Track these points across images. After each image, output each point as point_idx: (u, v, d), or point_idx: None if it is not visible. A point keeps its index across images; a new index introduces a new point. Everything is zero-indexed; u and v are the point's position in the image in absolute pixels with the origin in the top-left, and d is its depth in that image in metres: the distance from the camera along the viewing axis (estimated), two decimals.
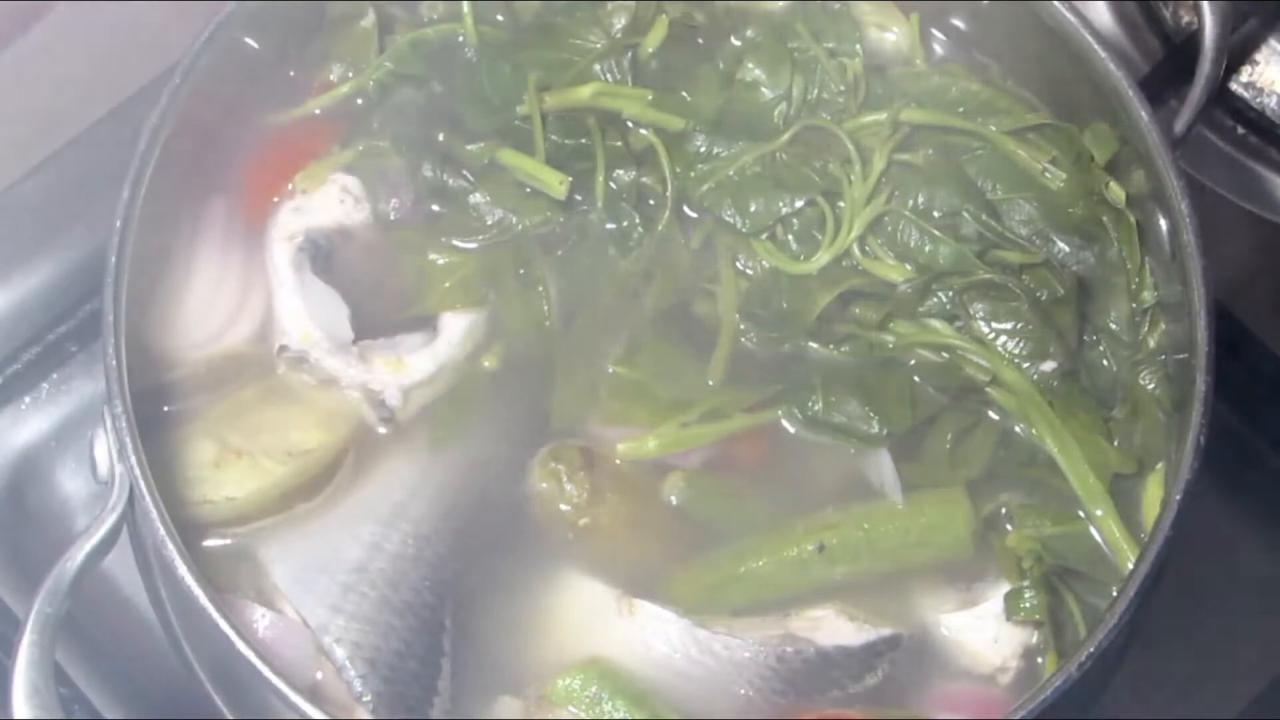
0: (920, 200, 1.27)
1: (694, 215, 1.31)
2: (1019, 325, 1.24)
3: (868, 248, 1.27)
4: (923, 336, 1.26)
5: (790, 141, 1.29)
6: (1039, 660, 1.20)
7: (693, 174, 1.29)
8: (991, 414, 1.27)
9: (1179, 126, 1.28)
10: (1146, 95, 1.25)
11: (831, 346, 1.27)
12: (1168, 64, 1.55)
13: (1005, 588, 1.21)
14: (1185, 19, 1.60)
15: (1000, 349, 1.25)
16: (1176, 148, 1.25)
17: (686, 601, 1.20)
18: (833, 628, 1.20)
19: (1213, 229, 1.21)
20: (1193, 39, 1.32)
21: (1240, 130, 1.60)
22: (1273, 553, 1.48)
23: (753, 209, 1.27)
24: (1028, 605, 1.19)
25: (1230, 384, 1.18)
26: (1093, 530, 1.22)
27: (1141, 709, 1.38)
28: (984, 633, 1.21)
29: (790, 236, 1.28)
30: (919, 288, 1.24)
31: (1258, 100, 1.59)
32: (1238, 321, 1.45)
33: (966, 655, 1.21)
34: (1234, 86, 1.59)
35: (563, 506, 1.21)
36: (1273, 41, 1.59)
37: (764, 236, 1.28)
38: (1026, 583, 1.20)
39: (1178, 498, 1.12)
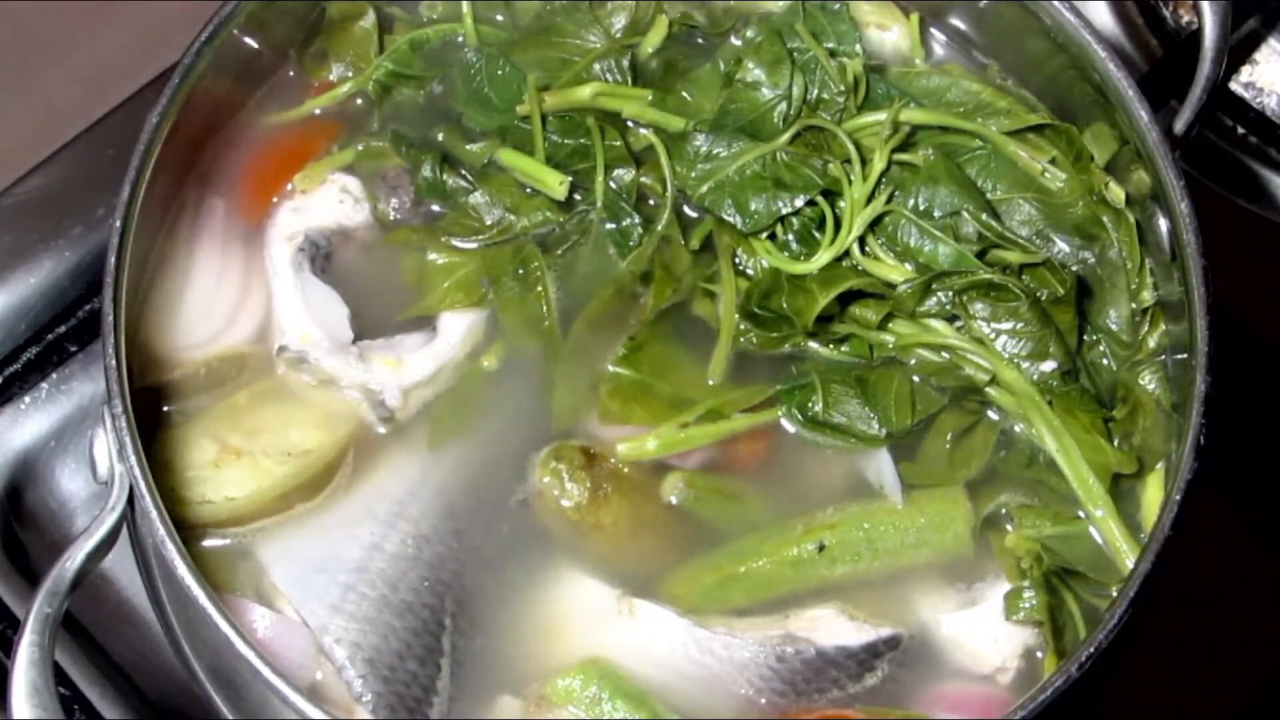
0: (920, 200, 1.27)
1: (694, 215, 1.31)
2: (1019, 325, 1.24)
3: (868, 248, 1.27)
4: (922, 337, 1.26)
5: (790, 141, 1.29)
6: (1039, 657, 1.20)
7: (693, 174, 1.29)
8: (991, 414, 1.27)
9: (1179, 126, 1.28)
10: (1146, 95, 1.25)
11: (831, 346, 1.27)
12: (1168, 64, 1.55)
13: (1005, 588, 1.21)
14: (1185, 19, 1.60)
15: (1000, 349, 1.25)
16: (1176, 148, 1.25)
17: (686, 601, 1.20)
18: (833, 628, 1.20)
19: (1213, 229, 1.21)
20: (1193, 39, 1.31)
21: (1240, 130, 1.60)
22: (1272, 553, 1.48)
23: (753, 208, 1.27)
24: (1027, 605, 1.19)
25: (1230, 384, 1.18)
26: (1092, 530, 1.22)
27: (1141, 709, 1.38)
28: (984, 632, 1.21)
29: (790, 236, 1.28)
30: (918, 288, 1.24)
31: (1258, 100, 1.59)
32: (1238, 321, 1.45)
33: (966, 655, 1.21)
34: (1234, 86, 1.59)
35: (564, 503, 1.21)
36: (1273, 41, 1.59)
37: (764, 236, 1.28)
38: (1026, 583, 1.20)
39: (1178, 498, 1.12)
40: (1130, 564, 1.18)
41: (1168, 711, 1.38)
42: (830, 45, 1.34)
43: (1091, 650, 1.08)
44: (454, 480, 1.23)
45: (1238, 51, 1.58)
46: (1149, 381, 1.26)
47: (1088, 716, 1.26)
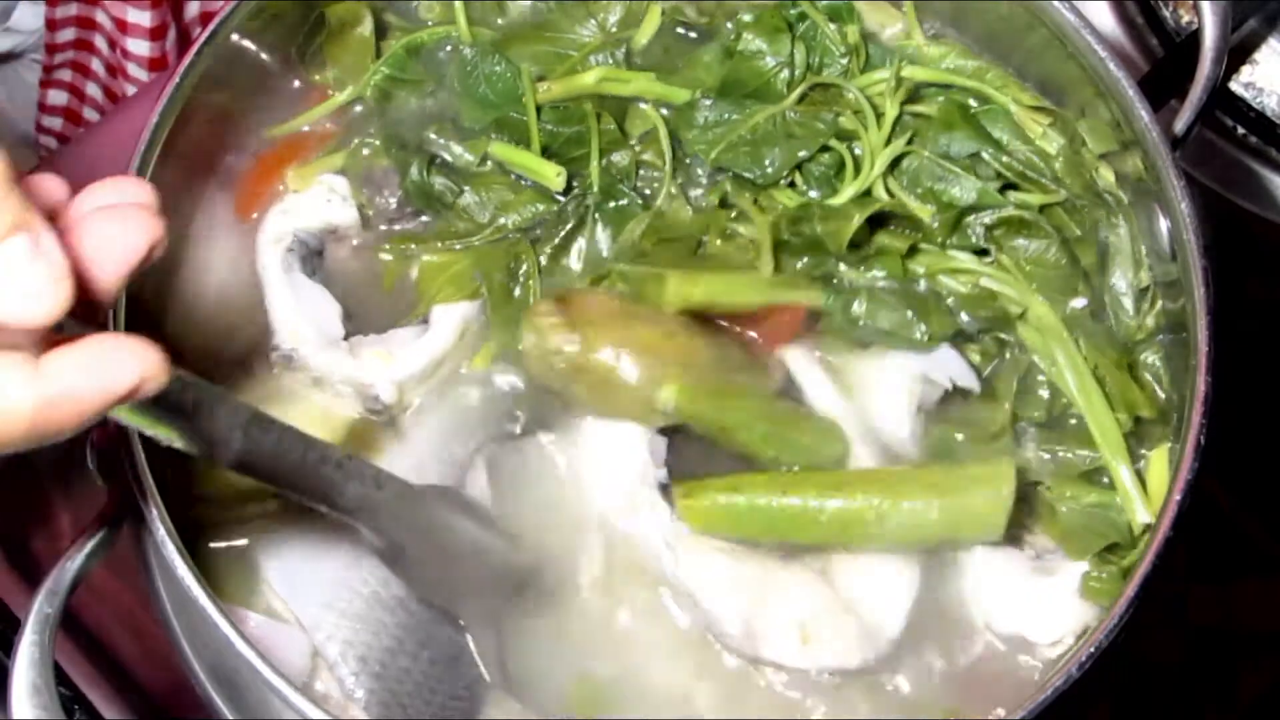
0: (938, 145, 1.28)
1: (699, 192, 1.31)
2: (1050, 259, 1.25)
3: (891, 191, 1.27)
4: (952, 263, 1.26)
5: (798, 101, 1.29)
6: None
7: (705, 139, 1.28)
8: (1008, 355, 1.26)
9: (1179, 126, 1.28)
10: (1146, 95, 1.25)
11: (863, 268, 1.25)
12: (1168, 64, 1.54)
13: (1080, 564, 1.20)
14: (1185, 19, 1.59)
15: (1031, 283, 1.25)
16: (1176, 148, 1.25)
17: (693, 517, 1.17)
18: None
19: (1213, 229, 1.20)
20: (1193, 39, 1.31)
21: (1240, 130, 1.60)
22: (1273, 553, 1.48)
23: (768, 160, 1.26)
24: (1100, 585, 1.18)
25: (1230, 384, 1.18)
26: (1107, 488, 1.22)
27: (1139, 711, 1.38)
28: (1049, 604, 1.20)
29: (810, 185, 1.28)
30: (950, 219, 1.25)
31: (1258, 100, 1.59)
32: (1238, 322, 1.45)
33: (1024, 621, 1.21)
34: (1234, 86, 1.59)
35: (558, 354, 1.18)
36: (1273, 41, 1.59)
37: (784, 185, 1.28)
38: (1107, 566, 1.19)
39: (1178, 498, 1.12)
40: (1141, 517, 1.19)
41: (1168, 712, 1.38)
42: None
43: (1092, 650, 1.08)
44: (450, 474, 1.23)
45: (1238, 51, 1.58)
46: (1150, 360, 1.27)
47: (1088, 716, 1.26)
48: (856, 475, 1.18)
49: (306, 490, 1.01)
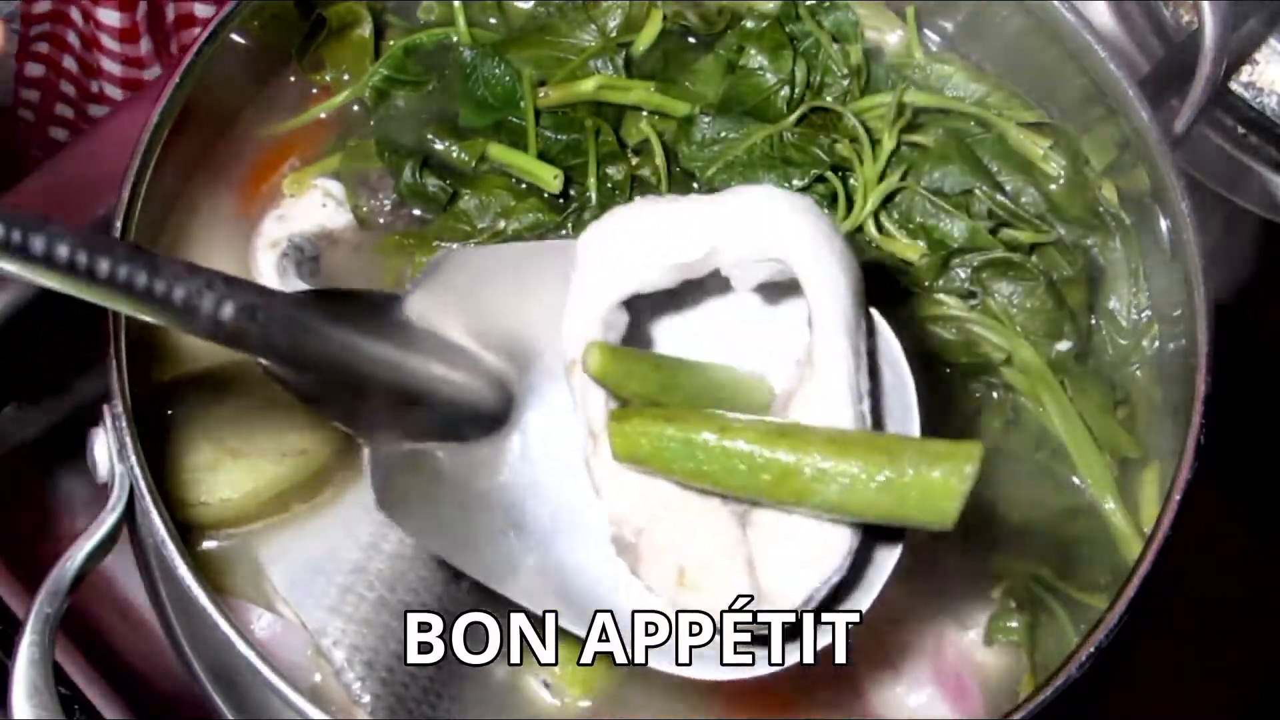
0: (932, 178, 1.28)
1: None
2: (1034, 304, 1.25)
3: (882, 225, 1.27)
4: (937, 310, 1.25)
5: (797, 123, 1.28)
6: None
7: (702, 156, 1.28)
8: (996, 395, 1.26)
9: (1179, 126, 1.28)
10: (1146, 95, 1.25)
11: None
12: (1168, 64, 1.54)
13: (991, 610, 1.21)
14: (1185, 19, 1.59)
15: (1016, 327, 1.25)
16: (1176, 148, 1.25)
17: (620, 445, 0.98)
18: None
19: (1213, 229, 1.20)
20: (1193, 39, 1.31)
21: (1240, 130, 1.60)
22: (1272, 553, 1.48)
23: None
24: (1011, 625, 1.19)
25: (1230, 384, 1.18)
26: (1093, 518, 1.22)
27: (1139, 711, 1.38)
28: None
29: None
30: (936, 262, 1.24)
31: (1258, 100, 1.59)
32: (1238, 321, 1.45)
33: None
34: (1234, 86, 1.59)
35: None
36: (1273, 41, 1.59)
37: None
38: (1012, 604, 1.19)
39: (1178, 498, 1.12)
40: (1130, 547, 1.19)
41: (1167, 712, 1.38)
42: (830, 31, 1.34)
43: (1092, 650, 1.08)
44: None
45: (1238, 51, 1.58)
46: (1145, 379, 1.27)
47: (1087, 717, 1.26)
48: (804, 428, 0.96)
49: (172, 321, 0.88)
